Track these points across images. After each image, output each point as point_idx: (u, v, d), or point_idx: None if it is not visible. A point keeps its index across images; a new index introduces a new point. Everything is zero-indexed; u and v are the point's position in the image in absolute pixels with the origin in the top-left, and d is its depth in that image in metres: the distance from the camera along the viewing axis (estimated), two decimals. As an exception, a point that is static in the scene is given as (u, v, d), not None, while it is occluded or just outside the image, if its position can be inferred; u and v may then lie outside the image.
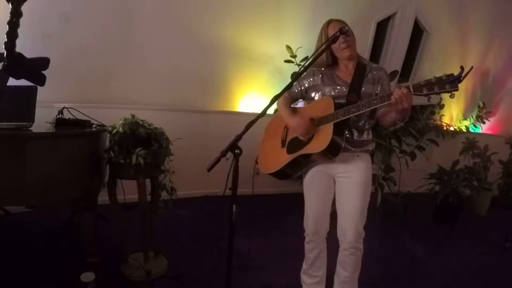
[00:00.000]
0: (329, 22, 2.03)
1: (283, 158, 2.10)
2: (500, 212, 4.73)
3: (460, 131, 5.72)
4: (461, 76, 1.51)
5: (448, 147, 5.16)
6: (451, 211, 4.13)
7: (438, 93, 1.58)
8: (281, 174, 2.16)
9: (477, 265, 3.07)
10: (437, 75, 1.56)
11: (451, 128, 5.65)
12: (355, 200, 2.00)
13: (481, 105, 5.97)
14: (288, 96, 2.17)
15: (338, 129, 1.87)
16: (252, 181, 2.01)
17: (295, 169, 2.15)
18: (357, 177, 2.02)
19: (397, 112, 1.76)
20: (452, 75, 1.53)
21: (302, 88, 2.13)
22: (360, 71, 2.01)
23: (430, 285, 2.70)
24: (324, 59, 2.05)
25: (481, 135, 5.77)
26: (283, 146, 2.16)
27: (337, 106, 1.89)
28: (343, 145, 1.89)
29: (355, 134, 2.00)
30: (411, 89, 1.63)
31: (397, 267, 2.90)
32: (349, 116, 1.82)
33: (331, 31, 1.95)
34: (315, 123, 1.97)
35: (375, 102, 1.74)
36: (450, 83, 1.53)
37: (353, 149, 2.00)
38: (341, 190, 2.06)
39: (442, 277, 2.82)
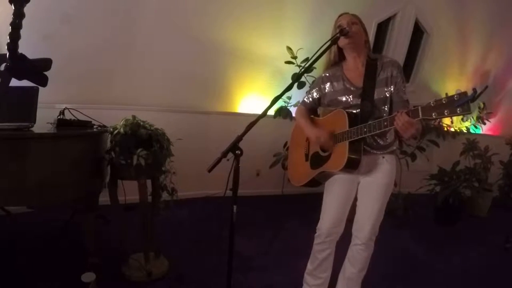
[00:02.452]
0: (340, 15, 2.01)
1: (308, 172, 2.14)
2: (500, 213, 4.74)
3: (461, 132, 5.73)
4: (474, 98, 1.34)
5: (448, 148, 5.16)
6: (451, 212, 4.13)
7: (448, 117, 1.44)
8: (309, 185, 2.20)
9: (478, 266, 3.07)
10: (449, 94, 1.40)
11: (452, 129, 5.65)
12: (376, 200, 1.99)
13: (482, 106, 5.97)
14: (303, 107, 2.20)
15: (354, 145, 1.85)
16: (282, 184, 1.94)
17: (322, 180, 2.17)
18: (380, 178, 1.99)
19: (402, 135, 1.65)
20: (465, 94, 1.36)
21: (315, 98, 2.14)
22: (371, 70, 1.93)
23: (430, 286, 2.70)
24: (330, 59, 2.05)
25: (482, 136, 5.76)
26: (306, 159, 2.19)
27: (351, 117, 1.88)
28: (361, 159, 1.87)
29: (378, 140, 1.97)
30: (420, 113, 1.51)
31: (398, 268, 2.90)
32: (362, 136, 1.80)
33: (338, 24, 1.96)
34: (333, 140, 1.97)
35: (385, 124, 1.68)
36: (462, 105, 1.37)
37: (378, 153, 1.98)
38: (364, 189, 2.04)
39: (442, 278, 2.82)
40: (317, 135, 1.99)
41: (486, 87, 1.39)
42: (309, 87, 2.19)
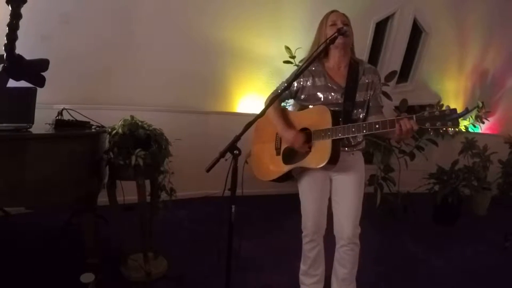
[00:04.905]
0: (331, 11, 2.03)
1: (280, 168, 2.10)
2: (499, 212, 4.73)
3: (459, 131, 5.72)
4: (463, 115, 1.51)
5: (447, 147, 5.16)
6: (450, 211, 4.14)
7: (439, 128, 1.58)
8: (278, 180, 2.17)
9: (477, 265, 3.07)
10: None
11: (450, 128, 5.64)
12: (352, 197, 2.02)
13: (480, 105, 5.98)
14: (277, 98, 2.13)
15: (336, 142, 1.87)
16: (243, 182, 1.93)
17: (292, 175, 2.16)
18: (352, 174, 2.04)
19: (396, 138, 1.73)
20: (454, 110, 1.52)
21: (292, 89, 2.07)
22: (353, 73, 1.97)
23: (429, 285, 2.70)
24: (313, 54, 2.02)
25: (481, 135, 5.77)
26: (278, 154, 2.14)
27: (332, 114, 1.88)
28: (340, 155, 1.89)
29: (351, 139, 2.00)
30: (415, 120, 1.62)
31: (397, 267, 2.90)
32: (348, 136, 1.83)
33: (330, 21, 1.97)
34: (312, 136, 1.95)
35: (377, 126, 1.71)
36: (452, 120, 1.52)
37: (348, 150, 2.02)
38: (338, 188, 2.08)
39: (441, 277, 2.82)
40: (293, 139, 1.97)
41: (475, 107, 1.56)
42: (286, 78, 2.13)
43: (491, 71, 6.02)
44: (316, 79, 2.00)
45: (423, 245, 3.40)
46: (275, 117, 2.09)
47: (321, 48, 1.85)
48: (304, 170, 2.09)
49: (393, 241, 3.43)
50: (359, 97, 1.96)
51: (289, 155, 2.07)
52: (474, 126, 6.13)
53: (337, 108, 1.94)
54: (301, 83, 2.04)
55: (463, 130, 5.85)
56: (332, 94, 1.97)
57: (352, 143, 2.02)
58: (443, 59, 5.58)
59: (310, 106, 2.04)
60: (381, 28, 5.08)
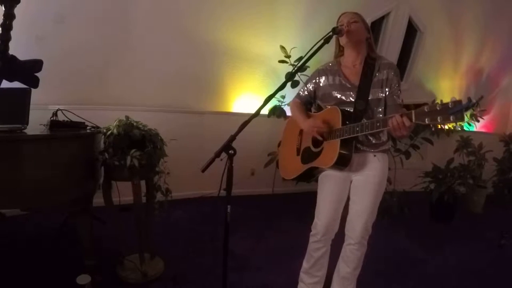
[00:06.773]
0: (342, 13, 2.05)
1: (298, 167, 2.16)
2: (495, 209, 4.76)
3: (455, 129, 5.75)
4: (468, 107, 1.35)
5: (442, 146, 5.18)
6: (446, 209, 4.16)
7: (441, 124, 1.45)
8: (300, 179, 2.23)
9: (473, 262, 3.09)
10: (444, 101, 1.42)
11: (446, 127, 5.67)
12: (367, 198, 2.00)
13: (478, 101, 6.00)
14: (299, 101, 2.22)
15: (346, 142, 1.87)
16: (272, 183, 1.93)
17: (312, 175, 2.19)
18: (372, 176, 1.99)
19: (394, 135, 1.70)
20: (459, 103, 1.37)
21: (310, 90, 2.15)
22: (368, 70, 1.95)
23: (426, 283, 2.71)
24: (336, 52, 2.11)
25: (476, 133, 5.80)
26: (298, 154, 2.20)
27: (345, 114, 1.90)
28: (352, 157, 1.89)
29: (371, 138, 1.97)
30: (413, 117, 1.55)
31: (393, 265, 2.91)
32: (354, 136, 1.82)
33: (340, 23, 1.98)
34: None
35: (378, 125, 1.71)
36: (455, 113, 1.37)
37: (371, 150, 1.98)
38: (356, 188, 2.05)
39: (438, 275, 2.83)
40: (311, 124, 1.99)
41: (481, 97, 1.44)
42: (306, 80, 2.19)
43: (486, 69, 6.06)
44: (331, 78, 2.04)
45: (419, 244, 3.41)
46: (296, 113, 2.18)
47: (316, 46, 1.84)
48: (325, 171, 2.10)
49: (389, 240, 3.44)
50: (373, 95, 1.92)
51: (307, 155, 2.11)
52: (469, 125, 6.16)
53: (350, 108, 1.94)
54: (317, 83, 2.11)
55: (458, 128, 5.87)
56: (347, 92, 1.97)
57: (373, 142, 1.97)
58: (438, 58, 5.61)
59: (328, 107, 2.06)
60: (376, 27, 5.09)
